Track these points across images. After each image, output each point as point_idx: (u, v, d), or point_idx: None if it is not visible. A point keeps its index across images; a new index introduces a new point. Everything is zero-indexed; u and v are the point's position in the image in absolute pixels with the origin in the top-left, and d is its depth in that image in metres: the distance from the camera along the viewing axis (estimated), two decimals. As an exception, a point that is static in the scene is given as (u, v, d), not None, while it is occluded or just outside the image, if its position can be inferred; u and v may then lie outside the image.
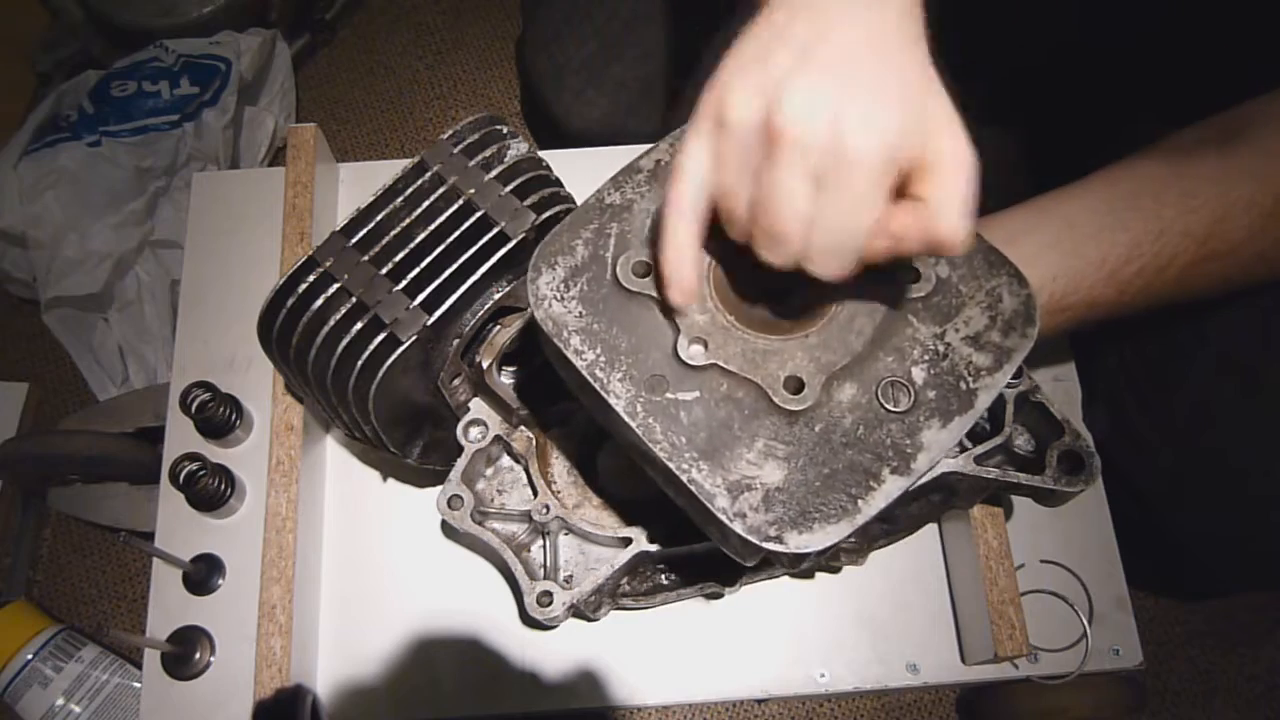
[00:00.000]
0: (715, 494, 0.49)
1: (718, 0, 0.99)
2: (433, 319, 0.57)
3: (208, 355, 0.84)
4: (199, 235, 0.89)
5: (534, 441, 0.67)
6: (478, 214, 0.60)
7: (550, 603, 0.62)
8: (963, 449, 0.62)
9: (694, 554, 0.66)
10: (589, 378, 0.51)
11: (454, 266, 0.58)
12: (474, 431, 0.66)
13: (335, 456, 0.83)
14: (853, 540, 0.65)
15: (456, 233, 0.59)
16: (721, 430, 0.50)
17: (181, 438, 0.80)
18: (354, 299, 0.58)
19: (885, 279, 0.54)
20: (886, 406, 0.51)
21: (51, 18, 1.41)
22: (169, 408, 0.81)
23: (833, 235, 0.45)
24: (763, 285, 0.55)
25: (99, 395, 1.23)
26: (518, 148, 0.62)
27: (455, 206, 0.60)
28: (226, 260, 0.87)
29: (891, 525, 0.72)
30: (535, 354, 0.58)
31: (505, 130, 0.63)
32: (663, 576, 0.71)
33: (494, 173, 0.60)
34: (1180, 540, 0.83)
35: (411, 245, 0.59)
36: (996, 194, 0.58)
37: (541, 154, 0.65)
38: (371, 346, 0.57)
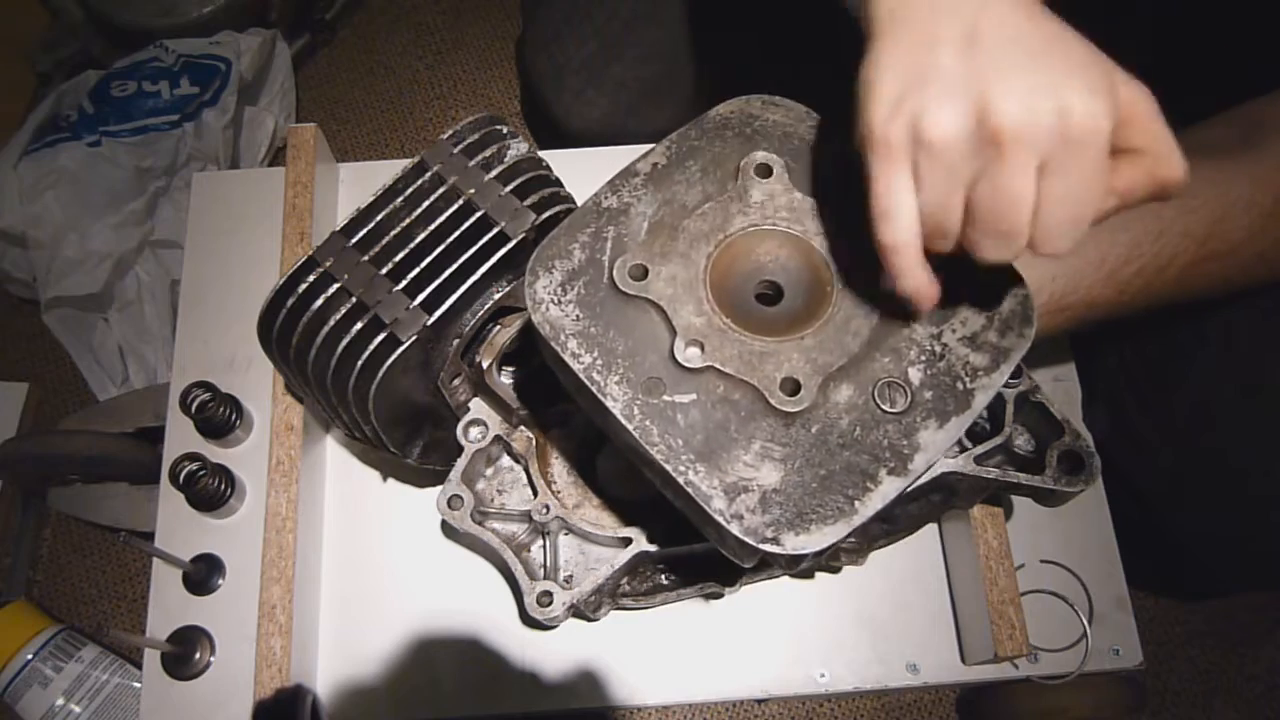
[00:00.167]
0: (712, 496, 0.49)
1: (718, 0, 0.99)
2: (433, 319, 0.57)
3: (208, 355, 0.84)
4: (199, 235, 0.89)
5: (534, 441, 0.67)
6: (478, 214, 0.60)
7: (550, 603, 0.62)
8: (962, 449, 0.62)
9: (694, 554, 0.66)
10: (586, 381, 0.51)
11: (454, 266, 0.58)
12: (474, 431, 0.66)
13: (335, 456, 0.83)
14: (852, 540, 0.65)
15: (456, 233, 0.59)
16: (718, 432, 0.50)
17: (181, 438, 0.80)
18: (354, 299, 0.58)
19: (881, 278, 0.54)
20: (883, 407, 0.51)
21: (51, 18, 1.41)
22: (169, 408, 0.81)
23: (1066, 216, 0.44)
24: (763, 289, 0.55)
25: (99, 395, 1.23)
26: (518, 148, 0.62)
27: (455, 206, 0.60)
28: (226, 260, 0.87)
29: (891, 525, 0.72)
30: (535, 354, 0.58)
31: (505, 130, 0.63)
32: (662, 576, 0.71)
33: (494, 173, 0.60)
34: (1180, 540, 0.83)
35: (411, 245, 0.59)
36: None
37: (541, 154, 0.65)
38: (371, 346, 0.57)
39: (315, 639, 0.76)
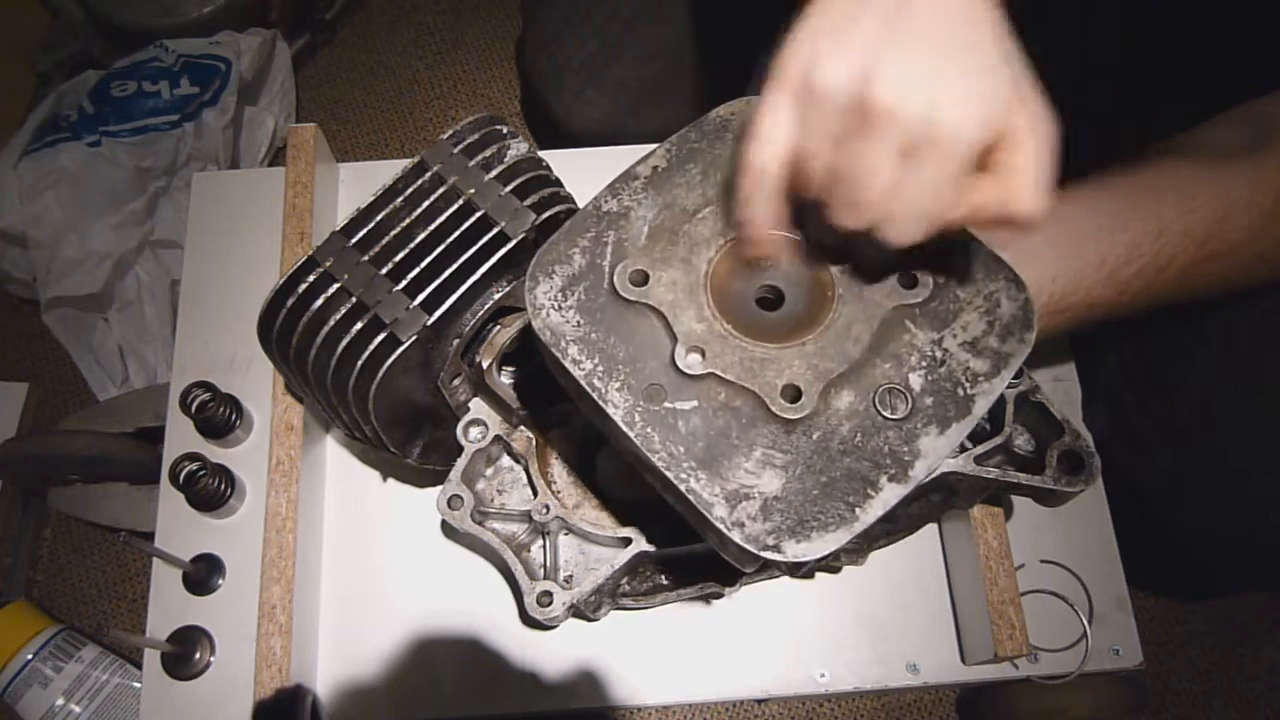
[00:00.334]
0: (713, 503, 0.49)
1: (718, 0, 0.99)
2: (433, 319, 0.57)
3: (208, 355, 0.84)
4: (199, 235, 0.89)
5: (534, 441, 0.67)
6: (478, 214, 0.60)
7: (550, 603, 0.62)
8: (963, 449, 0.62)
9: (693, 554, 0.66)
10: (587, 387, 0.51)
11: (454, 266, 0.58)
12: (474, 431, 0.66)
13: (335, 456, 0.83)
14: (853, 541, 0.65)
15: (456, 233, 0.59)
16: (719, 439, 0.50)
17: (181, 438, 0.80)
18: (354, 299, 0.58)
19: (883, 284, 0.54)
20: (884, 414, 0.51)
21: (51, 18, 1.41)
22: (169, 408, 0.81)
23: (914, 205, 0.45)
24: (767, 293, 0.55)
25: (99, 395, 1.23)
26: (518, 148, 0.62)
27: (455, 206, 0.60)
28: (226, 260, 0.87)
29: (892, 525, 0.72)
30: (535, 354, 0.58)
31: (505, 130, 0.63)
32: (662, 576, 0.71)
33: (494, 173, 0.60)
34: (1180, 540, 0.83)
35: (411, 245, 0.59)
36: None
37: (541, 154, 0.65)
38: (371, 346, 0.57)
39: (315, 639, 0.76)
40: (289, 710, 0.68)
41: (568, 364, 0.52)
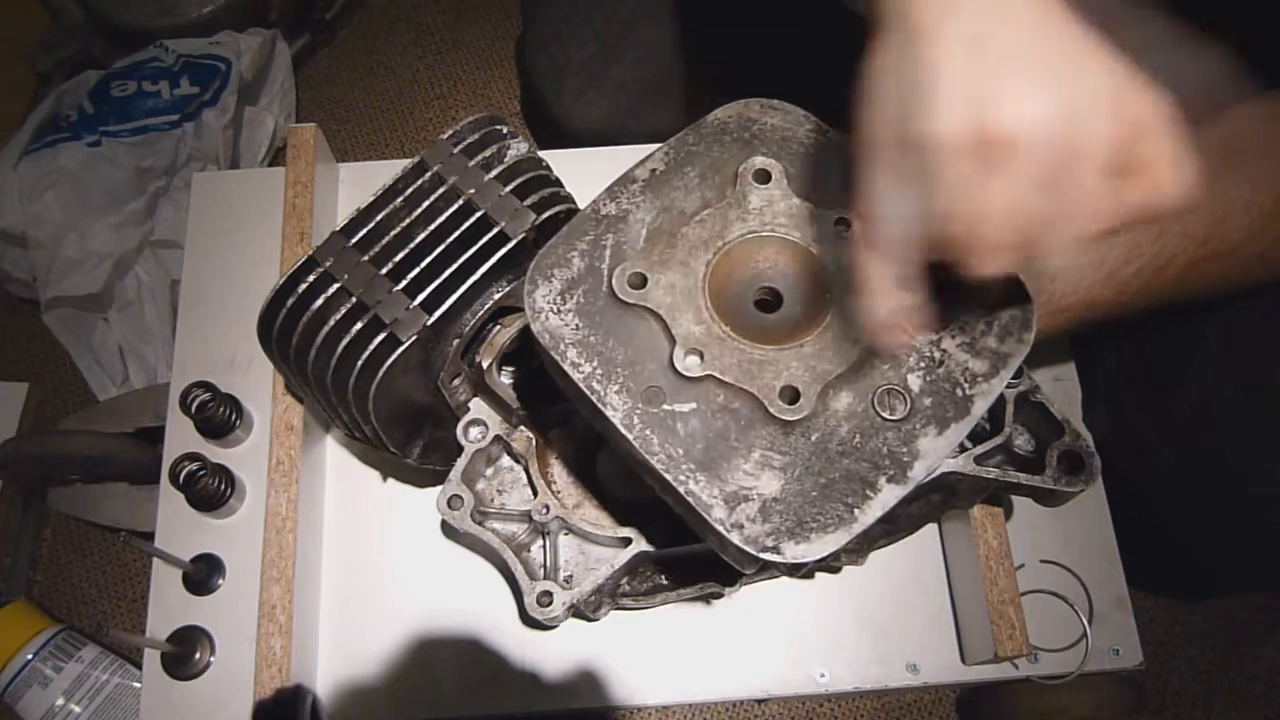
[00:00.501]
0: (712, 505, 0.49)
1: (718, 1, 0.99)
2: (433, 319, 0.57)
3: (208, 355, 0.84)
4: (199, 235, 0.89)
5: (534, 441, 0.67)
6: (478, 214, 0.60)
7: (550, 603, 0.62)
8: (962, 449, 0.62)
9: (694, 554, 0.66)
10: (586, 390, 0.52)
11: (454, 266, 0.58)
12: (474, 431, 0.66)
13: (335, 456, 0.83)
14: (852, 542, 0.65)
15: (456, 233, 0.59)
16: (718, 441, 0.50)
17: (181, 438, 0.80)
18: (354, 299, 0.58)
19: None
20: (883, 415, 0.51)
21: (51, 18, 1.41)
22: (169, 408, 0.81)
23: (1066, 231, 0.42)
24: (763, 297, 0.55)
25: (99, 395, 1.23)
26: (518, 148, 0.62)
27: (455, 206, 0.60)
28: (226, 260, 0.87)
29: (891, 526, 0.72)
30: (535, 354, 0.58)
31: (505, 130, 0.63)
32: (662, 576, 0.71)
33: (494, 173, 0.60)
34: (1180, 540, 0.83)
35: (411, 245, 0.59)
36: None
37: (541, 154, 0.65)
38: (371, 346, 0.57)
39: (315, 639, 0.76)
40: (289, 710, 0.68)
41: (567, 367, 0.52)
